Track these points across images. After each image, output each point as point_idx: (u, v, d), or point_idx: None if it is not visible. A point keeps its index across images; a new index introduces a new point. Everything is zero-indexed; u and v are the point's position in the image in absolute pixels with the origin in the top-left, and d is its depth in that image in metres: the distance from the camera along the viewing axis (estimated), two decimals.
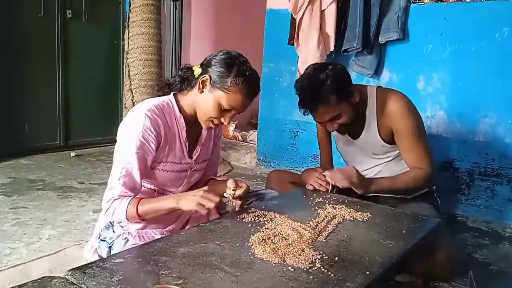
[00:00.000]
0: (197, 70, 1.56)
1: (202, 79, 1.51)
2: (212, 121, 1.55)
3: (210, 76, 1.50)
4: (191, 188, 1.77)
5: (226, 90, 1.48)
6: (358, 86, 1.99)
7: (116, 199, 1.47)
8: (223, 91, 1.48)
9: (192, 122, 1.61)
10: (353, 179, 1.81)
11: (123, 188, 1.47)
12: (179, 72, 1.63)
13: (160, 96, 1.61)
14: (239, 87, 1.48)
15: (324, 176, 1.89)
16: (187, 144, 1.62)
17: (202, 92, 1.53)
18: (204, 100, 1.52)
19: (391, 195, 2.00)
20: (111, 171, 1.51)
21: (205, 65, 1.54)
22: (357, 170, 1.86)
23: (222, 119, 1.54)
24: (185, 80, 1.59)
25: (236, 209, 1.57)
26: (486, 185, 2.77)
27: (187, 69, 1.62)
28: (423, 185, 1.99)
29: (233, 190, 1.54)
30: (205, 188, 1.47)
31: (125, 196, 1.47)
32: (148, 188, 1.64)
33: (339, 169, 1.89)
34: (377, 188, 1.89)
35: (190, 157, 1.66)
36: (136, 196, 1.51)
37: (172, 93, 1.62)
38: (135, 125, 1.48)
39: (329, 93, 1.79)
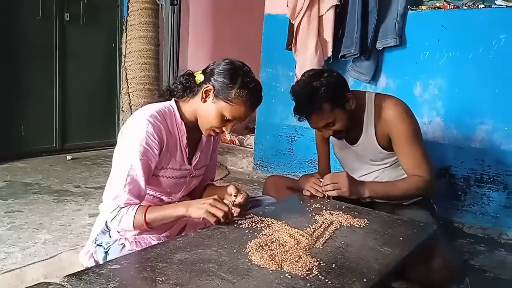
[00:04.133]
0: (199, 77, 1.55)
1: (206, 89, 1.51)
2: (213, 129, 1.56)
3: (213, 86, 1.50)
4: (189, 194, 1.77)
5: (230, 101, 1.48)
6: (356, 92, 2.00)
7: (122, 207, 1.44)
8: (227, 102, 1.48)
9: (192, 128, 1.60)
10: (342, 189, 1.80)
11: (129, 196, 1.45)
12: (181, 79, 1.62)
13: (161, 102, 1.61)
14: (243, 99, 1.48)
15: (321, 181, 1.90)
16: (187, 150, 1.62)
17: (205, 101, 1.52)
18: (207, 110, 1.52)
19: (387, 202, 2.00)
20: (112, 178, 1.49)
21: (208, 74, 1.53)
22: (349, 177, 1.84)
23: (223, 128, 1.55)
24: (187, 88, 1.58)
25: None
26: (482, 191, 2.78)
27: (188, 75, 1.61)
28: (422, 193, 1.98)
29: (234, 196, 1.54)
30: (215, 196, 1.45)
31: (131, 204, 1.46)
32: (147, 195, 1.62)
33: (331, 177, 1.86)
34: (371, 193, 1.88)
35: (190, 163, 1.65)
36: (141, 204, 1.49)
37: (173, 99, 1.61)
38: (137, 131, 1.47)
39: (323, 100, 1.80)
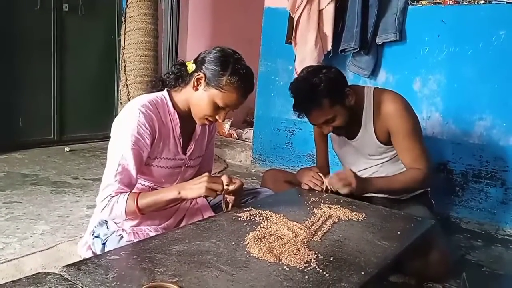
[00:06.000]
0: (191, 66, 1.55)
1: (197, 77, 1.51)
2: (206, 118, 1.55)
3: (204, 74, 1.50)
4: None
5: (221, 88, 1.48)
6: (355, 87, 2.00)
7: (113, 196, 1.45)
8: (218, 89, 1.48)
9: (186, 118, 1.60)
10: (353, 186, 1.78)
11: (119, 185, 1.45)
12: (173, 68, 1.62)
13: (154, 92, 1.61)
14: (234, 86, 1.48)
15: (320, 175, 1.90)
16: (181, 140, 1.62)
17: (196, 90, 1.52)
18: (199, 98, 1.52)
19: (385, 196, 2.01)
20: (106, 169, 1.49)
21: (199, 62, 1.53)
22: (355, 173, 1.84)
23: (216, 117, 1.55)
24: (179, 77, 1.58)
25: (230, 205, 1.57)
26: (480, 187, 2.79)
27: (180, 65, 1.61)
28: (420, 186, 1.99)
29: (226, 185, 1.53)
30: (206, 174, 1.48)
31: (122, 193, 1.46)
32: (142, 185, 1.62)
33: (338, 175, 1.83)
34: (375, 189, 1.89)
35: (184, 153, 1.65)
36: (133, 191, 1.49)
37: (165, 89, 1.61)
38: (129, 121, 1.47)
39: (322, 97, 1.80)
